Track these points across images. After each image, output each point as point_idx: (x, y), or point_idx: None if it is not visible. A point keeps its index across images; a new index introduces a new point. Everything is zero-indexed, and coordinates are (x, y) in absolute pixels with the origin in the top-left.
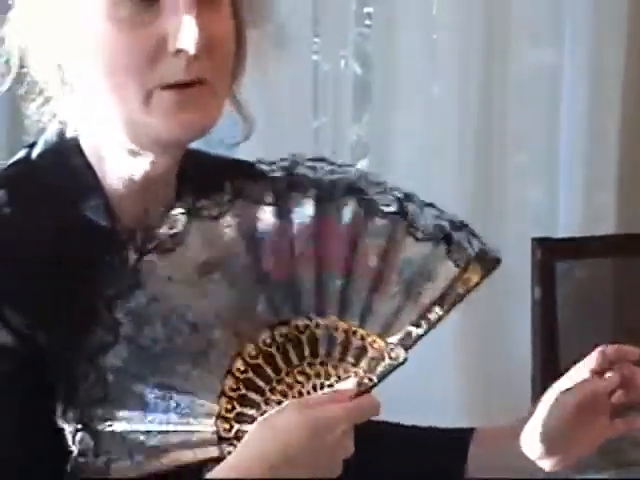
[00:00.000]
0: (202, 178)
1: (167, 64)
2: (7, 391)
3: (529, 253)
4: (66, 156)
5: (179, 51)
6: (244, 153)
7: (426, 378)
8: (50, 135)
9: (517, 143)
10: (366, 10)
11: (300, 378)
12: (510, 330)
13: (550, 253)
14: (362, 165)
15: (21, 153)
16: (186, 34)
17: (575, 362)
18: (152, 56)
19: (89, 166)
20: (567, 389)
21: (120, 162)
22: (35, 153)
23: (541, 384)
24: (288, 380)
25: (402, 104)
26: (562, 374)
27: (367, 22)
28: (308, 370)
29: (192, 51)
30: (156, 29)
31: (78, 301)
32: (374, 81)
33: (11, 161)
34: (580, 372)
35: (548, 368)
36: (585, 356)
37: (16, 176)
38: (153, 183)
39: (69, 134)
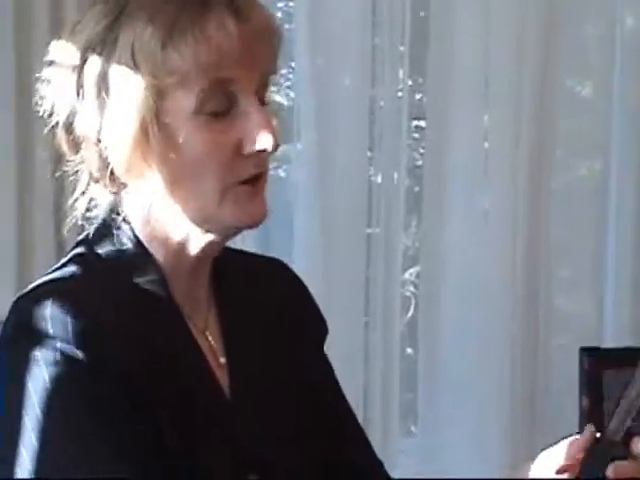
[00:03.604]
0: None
1: (242, 163)
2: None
3: (577, 365)
4: (134, 253)
5: (260, 152)
6: (300, 258)
7: None
8: (113, 233)
9: (564, 255)
10: (416, 124)
11: None
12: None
13: (597, 363)
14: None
15: (79, 249)
16: (269, 137)
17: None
18: (230, 159)
19: (150, 253)
20: None
21: (179, 243)
22: (102, 250)
23: None
24: None
25: (452, 214)
26: None
27: (416, 135)
28: None
29: (271, 149)
30: (232, 134)
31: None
32: (425, 193)
33: (72, 255)
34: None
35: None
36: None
37: (84, 267)
38: (203, 262)
39: (128, 229)
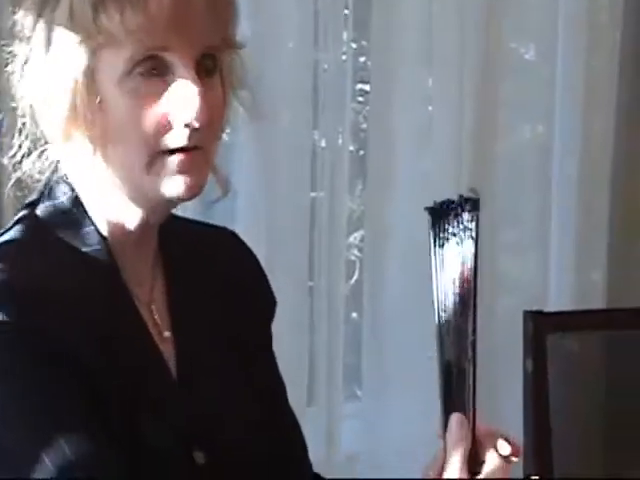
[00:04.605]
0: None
1: (172, 133)
2: None
3: (520, 327)
4: (70, 210)
5: (187, 125)
6: (243, 224)
7: (413, 454)
8: (52, 191)
9: (508, 219)
10: (360, 87)
11: None
12: (501, 404)
13: (542, 326)
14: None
15: (24, 211)
16: (195, 110)
17: (566, 434)
18: (159, 126)
19: (89, 216)
20: None
21: (117, 214)
22: (40, 210)
23: (533, 457)
24: None
25: (397, 178)
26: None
27: (360, 99)
28: None
29: (197, 125)
30: (164, 101)
31: None
32: (370, 157)
33: (16, 219)
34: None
35: (540, 440)
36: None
37: (25, 232)
38: (143, 237)
39: (66, 185)
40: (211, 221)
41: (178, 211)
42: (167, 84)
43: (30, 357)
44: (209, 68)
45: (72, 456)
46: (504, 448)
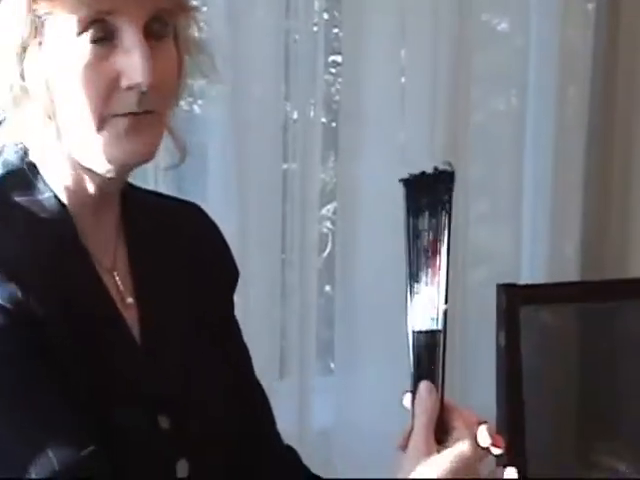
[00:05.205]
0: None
1: (120, 97)
2: None
3: (493, 300)
4: (26, 175)
5: (131, 87)
6: (215, 196)
7: (387, 424)
8: (7, 158)
9: (482, 190)
10: (333, 58)
11: None
12: (474, 376)
13: (515, 299)
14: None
15: None
16: (138, 72)
17: (539, 406)
18: (107, 89)
19: (46, 183)
20: None
21: (73, 180)
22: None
23: (506, 429)
24: None
25: (370, 151)
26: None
27: (333, 70)
28: None
29: (144, 89)
30: (111, 65)
31: None
32: (342, 129)
33: None
34: None
35: (513, 413)
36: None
37: None
38: (102, 204)
39: (21, 152)
40: (183, 195)
41: (149, 184)
42: (115, 48)
43: None
44: (160, 32)
45: (34, 423)
46: (484, 439)
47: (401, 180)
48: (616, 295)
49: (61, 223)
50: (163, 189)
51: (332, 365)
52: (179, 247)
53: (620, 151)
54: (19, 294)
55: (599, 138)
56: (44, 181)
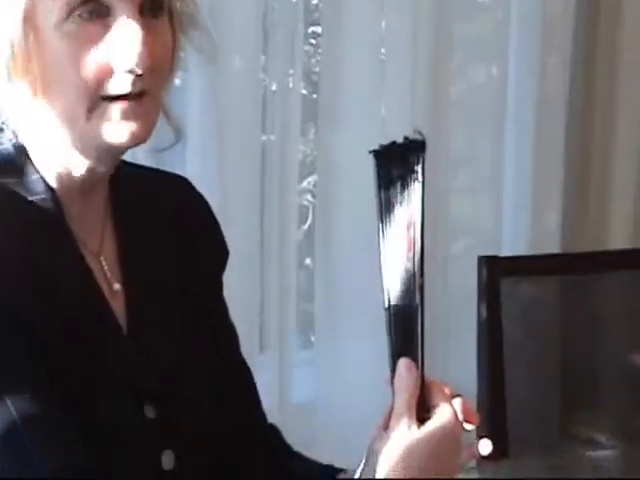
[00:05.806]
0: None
1: (114, 79)
2: None
3: (474, 270)
4: (13, 157)
5: (128, 71)
6: (194, 168)
7: (367, 397)
8: None
9: (462, 162)
10: (312, 29)
11: None
12: (455, 349)
13: (496, 271)
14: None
15: None
16: (135, 55)
17: (520, 379)
18: (100, 72)
19: (34, 165)
20: None
21: (63, 163)
22: None
23: (487, 402)
24: None
25: (350, 122)
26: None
27: (313, 41)
28: None
29: (140, 72)
30: (104, 45)
31: None
32: (322, 100)
33: None
34: None
35: (493, 386)
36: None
37: None
38: (92, 186)
39: (10, 134)
40: (161, 167)
41: (127, 156)
42: (108, 27)
43: None
44: (154, 8)
45: (17, 414)
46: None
47: (371, 151)
48: (597, 267)
49: (47, 206)
50: (142, 161)
51: (312, 338)
52: (167, 222)
53: (601, 123)
54: None
55: (580, 109)
56: (32, 164)
